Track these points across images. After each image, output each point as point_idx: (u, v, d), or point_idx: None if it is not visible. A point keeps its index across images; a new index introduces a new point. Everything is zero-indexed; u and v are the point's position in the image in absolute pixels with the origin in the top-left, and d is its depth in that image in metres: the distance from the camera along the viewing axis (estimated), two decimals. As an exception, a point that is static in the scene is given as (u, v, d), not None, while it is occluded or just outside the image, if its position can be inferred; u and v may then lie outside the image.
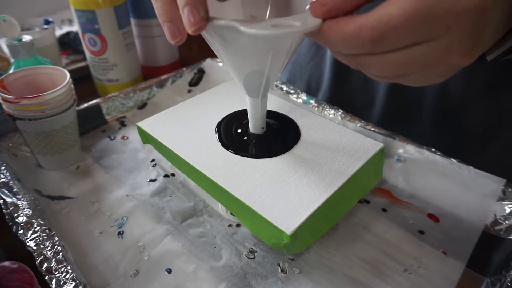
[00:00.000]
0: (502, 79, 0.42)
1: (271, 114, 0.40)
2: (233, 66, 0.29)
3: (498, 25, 0.21)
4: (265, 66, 0.27)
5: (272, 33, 0.21)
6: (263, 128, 0.36)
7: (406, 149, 0.43)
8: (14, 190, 0.37)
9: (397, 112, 0.50)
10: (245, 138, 0.37)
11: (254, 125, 0.36)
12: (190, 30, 0.23)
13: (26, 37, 0.46)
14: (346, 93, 0.54)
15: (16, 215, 0.34)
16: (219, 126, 0.39)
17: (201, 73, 0.60)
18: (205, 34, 0.26)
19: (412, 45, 0.20)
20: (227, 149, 0.35)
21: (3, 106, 0.39)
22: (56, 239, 0.32)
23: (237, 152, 0.35)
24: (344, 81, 0.53)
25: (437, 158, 0.41)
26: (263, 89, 0.31)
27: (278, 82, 0.54)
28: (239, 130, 0.38)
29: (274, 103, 0.42)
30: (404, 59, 0.21)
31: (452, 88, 0.45)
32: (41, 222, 0.33)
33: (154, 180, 0.42)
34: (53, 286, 0.29)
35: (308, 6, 0.22)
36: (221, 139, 0.37)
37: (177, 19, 0.24)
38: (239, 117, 0.39)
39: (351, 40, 0.20)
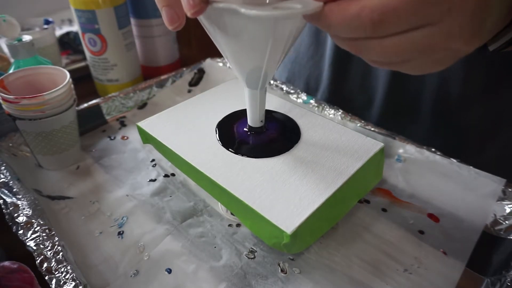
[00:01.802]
0: (500, 78, 0.42)
1: (271, 114, 0.40)
2: (233, 54, 0.28)
3: (499, 14, 0.21)
4: (265, 53, 0.26)
5: (273, 14, 0.21)
6: (261, 121, 0.36)
7: (406, 149, 0.43)
8: (14, 190, 0.37)
9: (396, 112, 0.50)
10: (245, 137, 0.37)
11: (253, 118, 0.35)
12: (189, 13, 0.22)
13: (26, 37, 0.46)
14: (345, 92, 0.54)
15: (16, 215, 0.34)
16: (219, 126, 0.39)
17: (201, 73, 0.60)
18: (203, 21, 0.26)
19: (413, 29, 0.20)
20: (227, 149, 0.35)
21: (3, 106, 0.39)
22: (56, 239, 0.32)
23: (237, 151, 0.35)
24: (342, 81, 0.53)
25: (437, 158, 0.41)
26: (262, 80, 0.30)
27: (278, 82, 0.54)
28: (239, 130, 0.38)
29: (274, 103, 0.42)
30: (404, 43, 0.21)
31: (451, 87, 0.45)
32: (41, 222, 0.33)
33: (154, 180, 0.42)
34: (53, 286, 0.29)
35: None
36: (221, 139, 0.37)
37: (176, 3, 0.23)
38: (239, 117, 0.39)
39: (352, 22, 0.20)
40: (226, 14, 0.24)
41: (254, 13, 0.21)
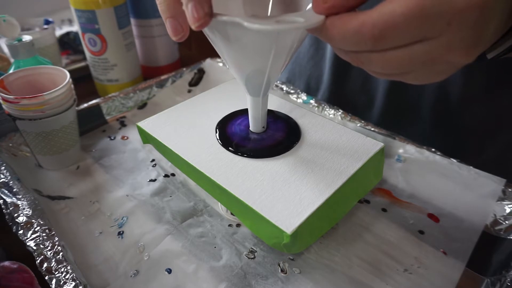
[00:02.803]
0: (500, 78, 0.42)
1: (271, 114, 0.40)
2: (235, 64, 0.29)
3: (498, 24, 0.21)
4: (267, 64, 0.27)
5: (275, 28, 0.21)
6: (263, 127, 0.36)
7: (406, 149, 0.43)
8: (14, 190, 0.37)
9: (396, 112, 0.50)
10: (245, 137, 0.36)
11: (255, 124, 0.36)
12: (193, 26, 0.23)
13: (26, 37, 0.46)
14: (345, 93, 0.54)
15: (16, 215, 0.34)
16: (219, 125, 0.39)
17: (201, 73, 0.60)
18: (207, 32, 0.26)
19: (413, 43, 0.20)
20: (227, 149, 0.35)
21: (3, 106, 0.39)
22: (56, 239, 0.32)
23: (237, 152, 0.35)
24: (343, 81, 0.53)
25: (437, 158, 0.41)
26: (264, 88, 0.31)
27: (278, 82, 0.54)
28: (239, 130, 0.38)
29: (274, 103, 0.42)
30: (405, 56, 0.21)
31: (451, 88, 0.45)
32: (41, 222, 0.33)
33: (154, 180, 0.42)
34: (53, 286, 0.29)
35: (310, 5, 0.22)
36: (221, 139, 0.37)
37: (180, 15, 0.24)
38: (239, 116, 0.39)
39: (353, 36, 0.21)
40: (229, 27, 0.24)
41: (257, 27, 0.21)
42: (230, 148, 0.35)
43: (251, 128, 0.36)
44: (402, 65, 0.22)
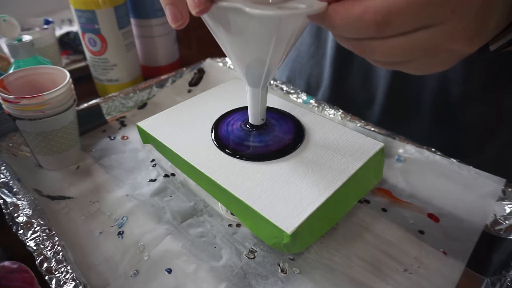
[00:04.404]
0: (500, 76, 0.42)
1: (273, 113, 0.40)
2: (236, 53, 0.28)
3: (502, 14, 0.21)
4: (267, 52, 0.27)
5: (277, 13, 0.21)
6: (262, 119, 0.36)
7: (406, 149, 0.43)
8: (14, 190, 0.37)
9: (397, 110, 0.50)
10: (245, 139, 0.36)
11: (254, 116, 0.35)
12: (194, 11, 0.22)
13: (26, 37, 0.46)
14: (346, 91, 0.54)
15: (16, 215, 0.34)
16: (215, 126, 0.38)
17: (201, 73, 0.60)
18: (207, 19, 0.26)
19: (416, 30, 0.20)
20: (224, 151, 0.35)
21: (3, 106, 0.39)
22: (56, 239, 0.32)
23: (234, 153, 0.35)
24: (344, 80, 0.53)
25: (437, 158, 0.41)
26: (264, 78, 0.31)
27: (278, 82, 0.54)
28: (238, 130, 0.37)
29: (275, 103, 0.42)
30: (407, 44, 0.21)
31: (451, 85, 0.45)
32: (41, 222, 0.33)
33: (154, 180, 0.42)
34: (53, 286, 0.29)
35: None
36: (217, 140, 0.36)
37: (180, 1, 0.23)
38: (237, 115, 0.39)
39: (355, 23, 0.20)
40: (230, 13, 0.24)
41: (258, 13, 0.21)
42: (227, 149, 0.35)
43: (250, 121, 0.36)
44: (405, 52, 0.21)
